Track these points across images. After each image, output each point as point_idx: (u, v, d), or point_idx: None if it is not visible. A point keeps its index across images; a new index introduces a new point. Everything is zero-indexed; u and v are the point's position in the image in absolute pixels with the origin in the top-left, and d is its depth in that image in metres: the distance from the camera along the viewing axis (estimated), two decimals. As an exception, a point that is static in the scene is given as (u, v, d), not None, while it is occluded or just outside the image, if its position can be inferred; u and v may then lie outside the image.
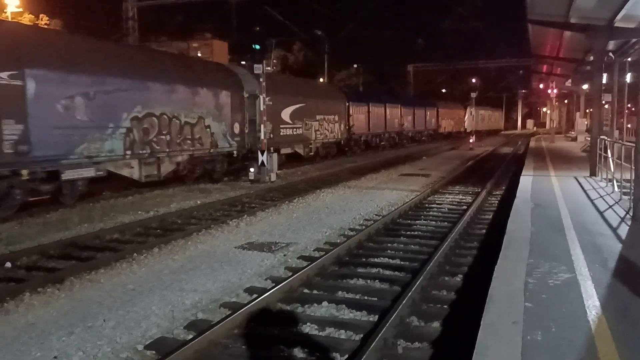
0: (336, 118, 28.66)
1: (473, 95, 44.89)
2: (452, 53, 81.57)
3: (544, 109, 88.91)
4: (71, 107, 12.48)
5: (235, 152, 19.19)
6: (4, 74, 10.96)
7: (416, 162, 26.45)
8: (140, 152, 14.57)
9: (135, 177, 14.68)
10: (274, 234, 10.26)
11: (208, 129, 17.60)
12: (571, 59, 26.27)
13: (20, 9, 32.45)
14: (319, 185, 17.12)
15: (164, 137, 15.54)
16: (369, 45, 69.49)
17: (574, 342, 4.16)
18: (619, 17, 13.86)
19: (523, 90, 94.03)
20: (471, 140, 39.43)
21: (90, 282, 7.32)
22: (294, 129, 23.79)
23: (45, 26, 32.96)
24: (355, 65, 66.25)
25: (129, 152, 14.14)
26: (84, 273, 7.64)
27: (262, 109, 18.20)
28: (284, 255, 8.72)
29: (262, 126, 18.16)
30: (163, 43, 48.73)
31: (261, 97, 18.10)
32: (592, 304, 4.96)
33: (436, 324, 5.85)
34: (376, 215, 12.24)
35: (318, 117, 26.28)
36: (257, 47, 33.47)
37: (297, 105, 23.82)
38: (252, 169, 17.79)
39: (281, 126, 22.51)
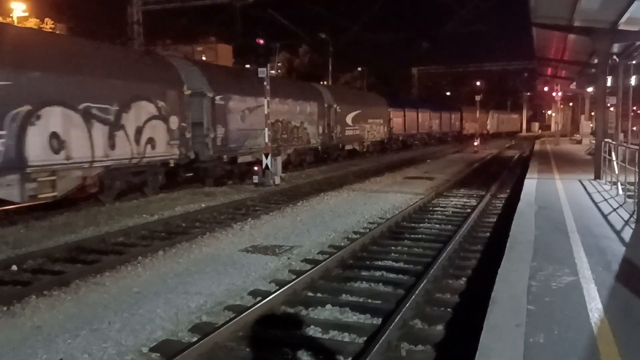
0: (381, 121, 34.98)
1: (477, 98, 44.84)
2: (456, 56, 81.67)
3: (549, 112, 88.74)
4: (243, 117, 18.94)
5: (319, 147, 25.98)
6: (218, 97, 17.38)
7: (421, 165, 26.44)
8: (272, 146, 19.22)
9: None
10: (278, 237, 10.29)
11: (305, 130, 24.07)
12: (576, 62, 26.22)
13: (27, 14, 32.66)
14: (323, 188, 17.16)
15: (285, 135, 22.24)
16: (373, 48, 69.68)
17: (576, 344, 4.17)
18: (623, 19, 13.84)
19: (528, 93, 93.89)
20: (476, 144, 39.38)
21: (95, 285, 7.37)
22: (354, 130, 29.98)
23: (50, 30, 33.14)
24: (359, 68, 66.25)
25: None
26: (89, 276, 7.70)
27: (266, 112, 18.23)
28: (288, 258, 8.75)
29: (266, 129, 18.19)
30: (168, 47, 48.87)
31: (266, 100, 18.13)
32: (595, 306, 4.97)
33: (440, 327, 5.87)
34: (380, 218, 12.26)
35: (370, 120, 32.47)
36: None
37: (357, 112, 30.02)
38: (258, 173, 17.85)
39: (346, 128, 28.73)
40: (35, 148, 11.38)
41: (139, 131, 14.31)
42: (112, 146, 13.42)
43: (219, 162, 17.76)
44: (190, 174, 17.24)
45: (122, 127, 13.77)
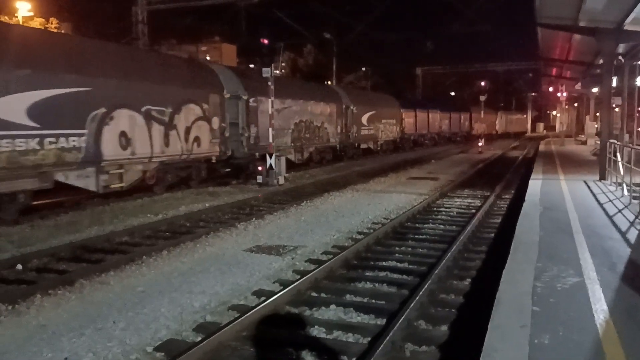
0: (394, 122, 36.61)
1: (482, 98, 44.74)
2: (460, 56, 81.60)
3: (554, 112, 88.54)
4: (273, 117, 18.69)
5: (338, 145, 27.79)
6: (251, 100, 18.90)
7: (425, 166, 26.41)
8: (297, 144, 22.78)
9: (292, 159, 22.36)
10: (282, 237, 10.30)
11: (325, 130, 26.07)
12: (581, 62, 26.15)
13: (32, 13, 32.74)
14: (327, 188, 17.15)
15: (308, 135, 24.11)
16: (377, 47, 69.60)
17: (581, 345, 4.16)
18: (628, 20, 13.79)
19: (532, 94, 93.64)
20: (480, 144, 39.31)
21: (100, 284, 7.38)
22: (369, 130, 31.67)
23: (55, 30, 33.22)
24: (363, 68, 66.22)
25: (291, 144, 22.54)
26: (94, 275, 7.72)
27: (270, 112, 18.24)
28: (292, 258, 8.75)
29: (270, 129, 18.21)
30: (172, 46, 48.93)
31: (270, 100, 18.14)
32: (600, 307, 4.95)
33: (444, 327, 5.86)
34: (384, 218, 12.25)
35: (383, 121, 34.13)
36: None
37: (371, 112, 31.68)
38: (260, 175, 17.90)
39: (361, 128, 30.42)
40: (109, 145, 13.16)
41: (187, 131, 16.09)
42: (167, 144, 15.23)
43: (251, 159, 19.23)
44: (228, 169, 18.87)
45: (175, 127, 15.57)
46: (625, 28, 14.45)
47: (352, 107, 28.75)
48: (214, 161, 17.55)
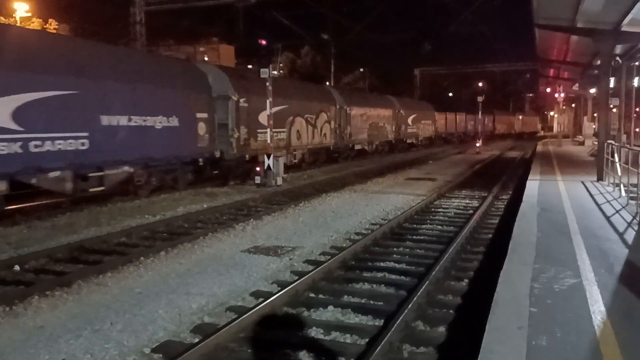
0: (430, 122, 44.76)
1: (480, 99, 44.72)
2: (458, 57, 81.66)
3: (551, 113, 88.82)
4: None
5: (392, 140, 35.92)
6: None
7: (422, 167, 26.42)
8: (370, 140, 32.03)
9: (367, 149, 31.53)
10: (280, 237, 10.29)
11: (385, 129, 34.22)
12: (578, 63, 26.19)
13: (29, 14, 32.68)
14: (325, 189, 17.15)
15: (376, 132, 32.60)
16: (375, 48, 69.57)
17: (579, 347, 4.16)
18: (626, 21, 13.83)
19: (530, 94, 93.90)
20: (478, 144, 39.33)
21: (97, 285, 7.37)
22: (412, 129, 40.09)
23: (54, 31, 33.16)
24: (361, 69, 66.19)
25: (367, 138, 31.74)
26: (91, 276, 7.70)
27: (269, 113, 18.22)
28: (290, 259, 8.75)
29: (268, 130, 18.19)
30: (170, 47, 48.87)
31: (268, 101, 18.09)
32: (598, 309, 4.96)
33: (441, 329, 5.86)
34: (382, 219, 12.26)
35: (423, 121, 42.59)
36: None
37: (414, 115, 40.40)
38: (258, 175, 17.91)
39: (408, 127, 38.90)
40: (293, 137, 22.33)
41: (324, 129, 26.28)
42: (317, 137, 25.35)
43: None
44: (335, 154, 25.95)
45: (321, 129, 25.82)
46: (622, 29, 14.49)
47: (401, 111, 37.37)
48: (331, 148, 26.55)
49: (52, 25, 35.23)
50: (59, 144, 11.65)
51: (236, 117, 17.92)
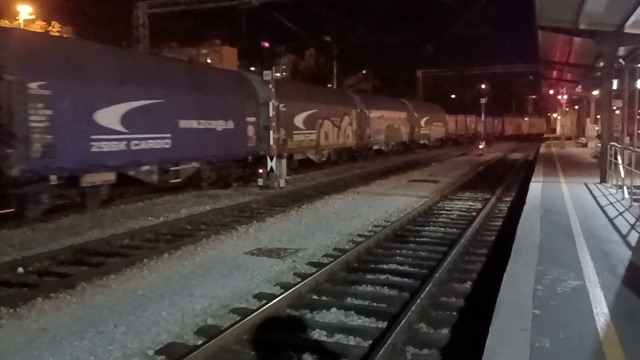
0: (441, 124, 47.47)
1: (483, 101, 44.66)
2: (461, 59, 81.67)
3: (554, 115, 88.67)
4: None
5: (407, 141, 38.68)
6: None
7: (425, 168, 26.40)
8: (387, 140, 34.36)
9: (385, 149, 33.33)
10: (282, 239, 10.30)
11: (399, 130, 36.53)
12: (581, 65, 26.13)
13: (33, 16, 32.79)
14: (327, 191, 17.15)
15: (392, 134, 35.16)
16: (378, 50, 69.56)
17: (582, 349, 4.16)
18: (629, 23, 13.79)
19: (533, 96, 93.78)
20: (481, 146, 39.30)
21: (101, 287, 7.39)
22: (425, 130, 42.66)
23: (57, 34, 33.24)
24: (364, 71, 66.24)
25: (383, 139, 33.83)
26: (95, 278, 7.72)
27: (271, 114, 18.24)
28: (293, 261, 8.76)
29: (271, 132, 18.20)
30: (173, 50, 48.99)
31: (271, 102, 18.15)
32: (601, 311, 4.95)
33: (445, 331, 5.86)
34: (385, 221, 12.25)
35: (434, 123, 45.00)
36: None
37: (426, 117, 42.90)
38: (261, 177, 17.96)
39: (420, 129, 41.44)
40: (321, 137, 24.98)
41: (347, 131, 28.76)
42: (340, 139, 27.96)
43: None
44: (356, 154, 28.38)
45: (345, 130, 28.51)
46: (625, 31, 14.44)
47: (415, 113, 39.87)
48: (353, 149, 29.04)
49: (55, 28, 35.33)
50: (151, 143, 14.19)
51: (277, 120, 19.59)
